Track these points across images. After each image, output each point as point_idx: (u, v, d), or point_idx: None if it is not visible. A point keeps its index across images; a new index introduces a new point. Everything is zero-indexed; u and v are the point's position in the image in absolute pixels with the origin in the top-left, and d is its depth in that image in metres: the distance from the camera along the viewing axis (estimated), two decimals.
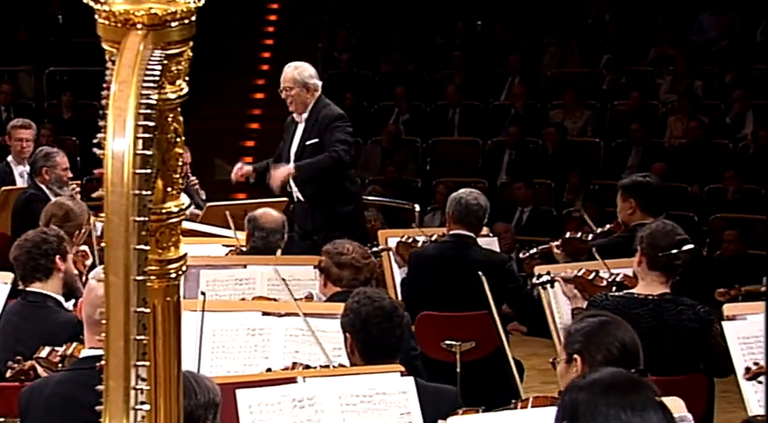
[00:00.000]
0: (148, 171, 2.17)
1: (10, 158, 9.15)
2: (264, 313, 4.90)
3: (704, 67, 13.43)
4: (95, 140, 2.20)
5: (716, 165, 11.72)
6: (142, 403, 2.15)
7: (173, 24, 2.30)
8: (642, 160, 12.23)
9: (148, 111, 2.20)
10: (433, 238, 6.60)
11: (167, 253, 2.36)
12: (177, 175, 2.40)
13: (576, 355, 3.53)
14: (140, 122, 2.17)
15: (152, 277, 2.24)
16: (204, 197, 8.76)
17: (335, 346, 4.78)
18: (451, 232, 6.38)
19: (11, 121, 9.44)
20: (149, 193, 2.18)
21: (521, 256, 6.97)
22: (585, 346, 3.53)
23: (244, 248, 6.38)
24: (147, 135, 2.17)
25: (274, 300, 5.29)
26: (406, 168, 12.87)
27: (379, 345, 4.09)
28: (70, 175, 8.10)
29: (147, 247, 2.15)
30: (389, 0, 15.46)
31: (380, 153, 12.86)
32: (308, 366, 4.37)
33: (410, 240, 6.64)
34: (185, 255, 2.39)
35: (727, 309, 4.67)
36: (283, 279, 5.90)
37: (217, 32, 15.91)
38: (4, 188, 8.51)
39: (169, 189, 2.38)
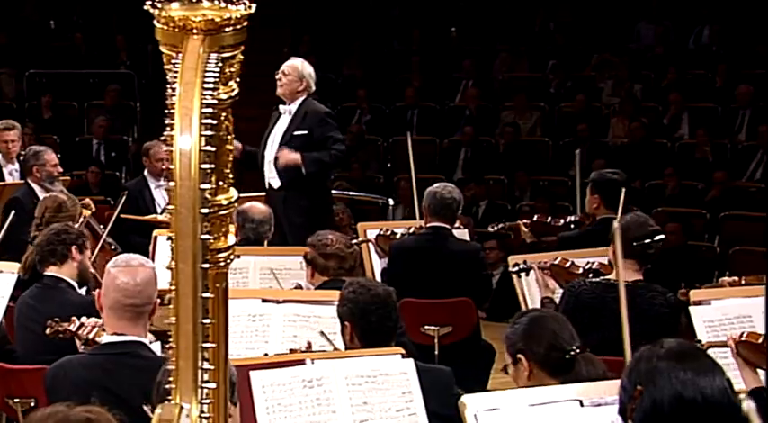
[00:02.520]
0: (211, 166, 2.17)
1: None
2: (264, 300, 4.90)
3: (643, 72, 13.52)
4: (162, 138, 2.20)
5: (656, 162, 11.84)
6: (206, 382, 2.16)
7: (227, 29, 2.29)
8: (588, 158, 12.32)
9: (209, 110, 2.20)
10: (411, 231, 6.62)
11: (218, 243, 2.35)
12: (228, 170, 2.40)
13: (519, 355, 3.58)
14: (203, 121, 2.17)
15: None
16: None
17: (330, 330, 4.81)
18: (429, 225, 6.40)
19: None
20: (210, 186, 2.19)
21: (489, 229, 6.98)
22: (525, 344, 3.57)
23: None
24: (209, 133, 2.18)
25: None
26: (369, 165, 12.89)
27: (378, 330, 4.11)
28: (60, 169, 8.04)
29: (212, 237, 2.16)
30: (350, 8, 15.46)
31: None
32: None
33: (389, 232, 6.66)
34: (233, 244, 2.39)
35: (694, 295, 4.72)
36: (271, 269, 5.91)
37: None
38: None
39: (221, 183, 2.36)
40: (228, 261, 2.37)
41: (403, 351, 4.01)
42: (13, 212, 6.95)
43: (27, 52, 14.74)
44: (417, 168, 12.75)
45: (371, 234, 6.69)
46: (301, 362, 3.94)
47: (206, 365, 2.15)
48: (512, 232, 6.69)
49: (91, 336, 4.23)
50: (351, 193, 10.95)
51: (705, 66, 13.24)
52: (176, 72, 2.25)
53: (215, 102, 2.23)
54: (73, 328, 4.31)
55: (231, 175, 2.41)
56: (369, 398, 3.88)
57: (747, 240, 10.34)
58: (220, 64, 2.30)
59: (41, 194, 7.86)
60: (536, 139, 13.02)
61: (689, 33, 13.98)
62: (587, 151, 12.42)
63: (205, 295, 2.14)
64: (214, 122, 2.20)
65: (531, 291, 5.74)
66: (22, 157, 8.73)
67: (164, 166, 8.54)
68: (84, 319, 4.34)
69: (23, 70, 14.45)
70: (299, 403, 3.81)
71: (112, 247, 7.22)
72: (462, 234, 6.73)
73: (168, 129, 2.22)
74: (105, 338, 4.02)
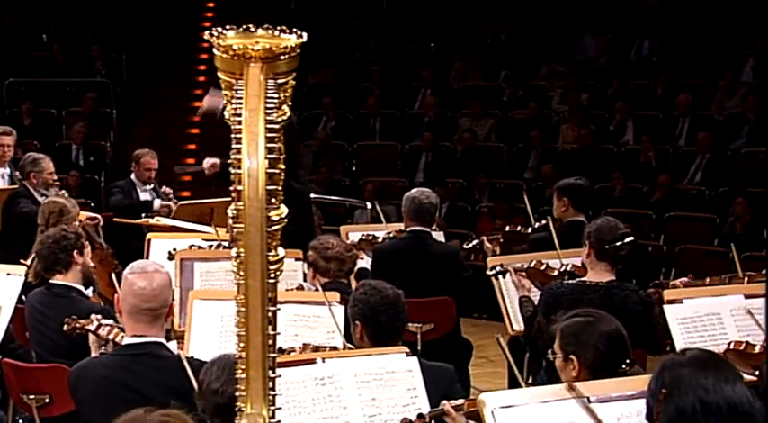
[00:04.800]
0: (276, 187, 2.19)
1: None
2: None
3: (588, 81, 13.63)
4: (228, 161, 2.20)
5: (603, 166, 11.94)
6: (272, 389, 2.17)
7: (281, 57, 2.30)
8: (540, 162, 12.44)
9: (272, 134, 2.21)
10: (392, 235, 6.64)
11: (269, 256, 2.37)
12: (279, 188, 2.40)
13: (572, 356, 3.55)
14: (268, 145, 2.18)
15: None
16: (174, 199, 8.66)
17: (329, 329, 4.83)
18: (409, 229, 6.42)
19: None
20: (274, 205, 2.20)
21: (464, 246, 7.02)
22: (576, 348, 3.55)
23: (225, 243, 6.35)
24: (273, 156, 2.19)
25: None
26: (335, 169, 12.89)
27: (387, 330, 4.13)
28: (56, 177, 7.98)
29: (278, 254, 2.17)
30: (314, 21, 15.43)
31: (312, 156, 12.85)
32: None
33: (369, 237, 6.67)
34: (283, 257, 2.40)
35: (668, 294, 4.80)
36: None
37: (157, 50, 15.76)
38: None
39: (273, 200, 2.39)
40: (279, 272, 2.39)
41: (407, 349, 4.04)
42: None
43: (6, 62, 14.58)
44: (381, 172, 12.90)
45: (354, 237, 6.71)
46: (313, 361, 3.95)
47: (272, 374, 2.16)
48: (480, 248, 6.69)
49: (111, 337, 4.21)
50: (324, 196, 10.95)
51: (646, 76, 13.38)
52: (239, 97, 2.24)
53: (276, 126, 2.24)
54: (91, 326, 4.29)
55: (282, 192, 2.42)
56: (377, 394, 3.90)
57: (691, 239, 10.50)
58: (275, 90, 2.32)
59: (39, 197, 7.81)
60: (491, 144, 13.08)
61: (630, 46, 14.12)
62: (539, 156, 12.57)
63: (271, 308, 2.15)
64: (277, 146, 2.21)
65: (509, 291, 5.80)
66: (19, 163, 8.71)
67: (151, 175, 8.54)
68: (100, 318, 4.32)
69: (3, 79, 14.28)
70: (312, 400, 3.83)
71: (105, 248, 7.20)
72: (438, 236, 6.77)
73: (234, 152, 2.22)
74: (126, 340, 4.01)
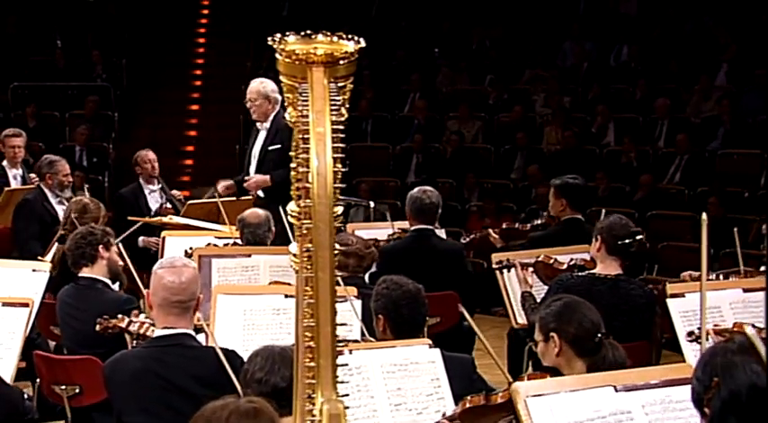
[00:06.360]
0: (343, 185, 2.20)
1: (5, 163, 8.93)
2: (287, 296, 4.91)
3: (570, 85, 13.69)
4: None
5: (586, 166, 11.97)
6: (336, 377, 2.19)
7: (341, 62, 2.32)
8: (526, 163, 12.48)
9: (336, 134, 2.22)
10: (395, 236, 6.63)
11: None
12: (342, 186, 2.41)
13: (552, 334, 3.64)
14: (334, 145, 2.20)
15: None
16: (182, 199, 8.62)
17: (347, 322, 4.83)
18: (413, 228, 6.42)
19: (4, 131, 9.18)
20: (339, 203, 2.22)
21: (462, 240, 7.03)
22: (558, 325, 3.64)
23: (239, 241, 6.35)
24: (338, 155, 2.20)
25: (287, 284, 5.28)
26: None
27: (408, 322, 4.16)
28: (70, 179, 7.98)
29: (344, 248, 2.19)
30: (307, 26, 15.40)
31: None
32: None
33: (372, 240, 6.65)
34: (339, 252, 2.41)
35: (671, 288, 4.83)
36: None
37: (155, 55, 15.72)
38: (8, 188, 8.33)
39: None
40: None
41: (430, 341, 4.05)
42: None
43: (9, 67, 14.52)
44: (374, 172, 12.91)
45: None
46: (341, 352, 3.95)
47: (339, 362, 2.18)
48: (482, 240, 6.72)
49: (142, 331, 4.21)
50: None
51: (625, 81, 13.45)
52: (304, 100, 2.25)
53: (340, 126, 2.26)
54: (123, 324, 4.29)
55: (338, 192, 2.43)
56: (402, 384, 3.92)
57: (672, 236, 10.56)
58: (337, 92, 2.33)
59: (52, 199, 7.80)
60: (479, 145, 13.11)
61: (609, 52, 14.19)
62: (525, 157, 12.61)
63: (339, 300, 2.17)
64: (343, 145, 2.22)
65: (513, 285, 5.82)
66: (31, 163, 8.71)
67: (154, 167, 8.50)
68: (133, 316, 4.33)
69: (7, 83, 14.23)
70: (342, 389, 3.84)
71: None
72: (441, 232, 6.78)
73: (301, 152, 2.23)
74: (156, 333, 4.02)
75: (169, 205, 8.30)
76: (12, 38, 15.01)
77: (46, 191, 7.77)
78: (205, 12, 16.91)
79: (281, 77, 2.36)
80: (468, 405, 3.31)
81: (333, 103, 2.26)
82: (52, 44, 14.98)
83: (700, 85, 12.61)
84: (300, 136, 2.22)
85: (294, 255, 2.28)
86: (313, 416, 2.12)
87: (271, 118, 7.48)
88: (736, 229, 6.33)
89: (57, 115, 13.96)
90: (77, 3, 15.59)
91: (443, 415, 3.65)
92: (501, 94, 13.76)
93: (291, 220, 2.29)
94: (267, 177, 7.29)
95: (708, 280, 5.27)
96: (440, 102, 13.87)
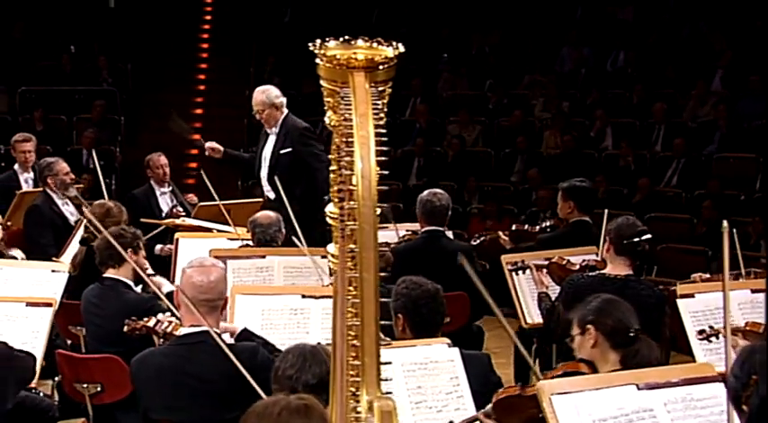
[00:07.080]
0: (385, 187, 2.21)
1: (16, 167, 8.95)
2: (304, 296, 4.92)
3: (569, 90, 13.72)
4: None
5: (585, 170, 11.97)
6: (380, 375, 2.20)
7: (380, 67, 2.33)
8: (525, 166, 12.50)
9: (379, 138, 2.24)
10: (406, 238, 6.64)
11: None
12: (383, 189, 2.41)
13: (588, 326, 3.72)
14: (377, 148, 2.21)
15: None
16: (195, 202, 8.61)
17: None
18: (424, 229, 6.42)
19: (14, 136, 9.18)
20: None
21: (472, 242, 7.05)
22: (596, 318, 3.73)
23: (250, 243, 6.36)
24: (382, 158, 2.21)
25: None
26: None
27: (427, 322, 4.17)
28: (72, 176, 7.96)
29: (387, 249, 2.20)
30: (308, 33, 15.43)
31: None
32: None
33: (383, 244, 6.67)
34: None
35: (681, 288, 4.85)
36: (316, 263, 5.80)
37: (160, 59, 15.72)
38: (19, 191, 8.33)
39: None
40: None
41: (449, 341, 4.07)
42: None
43: (18, 71, 14.51)
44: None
45: None
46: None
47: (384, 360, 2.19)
48: (492, 242, 6.74)
49: (169, 330, 4.22)
50: None
51: (623, 86, 13.48)
52: (346, 104, 2.27)
53: (382, 130, 2.27)
54: (150, 324, 4.30)
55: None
56: (422, 382, 3.94)
57: (670, 238, 10.58)
58: (378, 97, 2.35)
59: (58, 200, 7.80)
60: (479, 149, 13.13)
61: (606, 58, 14.22)
62: (525, 160, 12.63)
63: (382, 300, 2.18)
64: (385, 149, 2.24)
65: (522, 286, 5.84)
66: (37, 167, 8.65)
67: (165, 172, 8.50)
68: (160, 316, 4.33)
69: (15, 88, 14.22)
70: None
71: None
72: (449, 233, 6.79)
73: (343, 155, 2.24)
74: (183, 330, 4.03)
75: (180, 208, 8.31)
76: (19, 43, 15.00)
77: (51, 195, 7.76)
78: (208, 17, 16.91)
79: (322, 82, 2.38)
80: (503, 395, 3.34)
81: (374, 106, 2.28)
82: (59, 49, 14.96)
83: (696, 91, 12.65)
84: (343, 139, 2.23)
85: (333, 255, 2.28)
86: (357, 413, 2.13)
87: (279, 122, 7.49)
88: (734, 231, 6.34)
89: (64, 119, 13.95)
90: (84, 9, 15.59)
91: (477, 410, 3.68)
92: (501, 98, 13.78)
93: (331, 221, 2.29)
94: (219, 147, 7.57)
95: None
96: (440, 106, 13.89)
